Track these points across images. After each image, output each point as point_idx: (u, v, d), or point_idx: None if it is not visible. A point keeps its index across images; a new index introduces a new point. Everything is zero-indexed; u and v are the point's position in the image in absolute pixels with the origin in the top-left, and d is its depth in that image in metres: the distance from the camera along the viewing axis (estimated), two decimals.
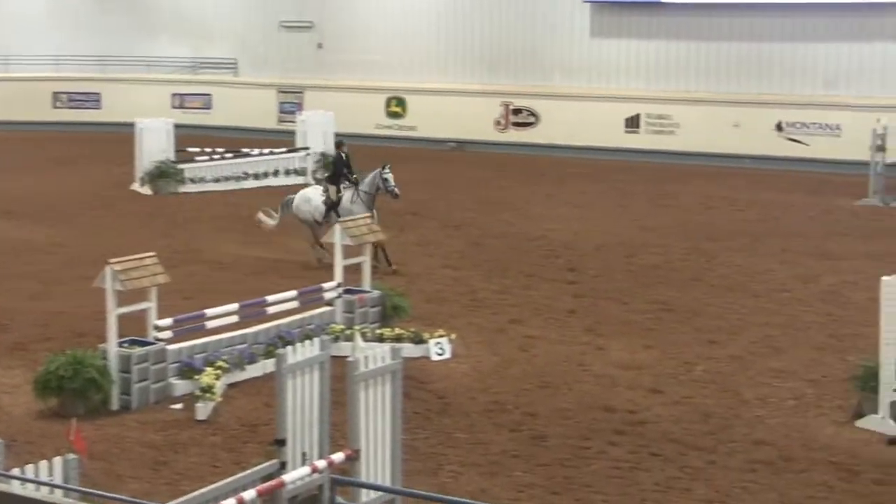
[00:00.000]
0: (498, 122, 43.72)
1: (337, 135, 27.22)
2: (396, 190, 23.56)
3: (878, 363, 14.94)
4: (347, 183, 24.12)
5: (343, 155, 24.62)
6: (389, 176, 23.49)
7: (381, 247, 22.88)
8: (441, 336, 18.09)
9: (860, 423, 15.08)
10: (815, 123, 39.04)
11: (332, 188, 24.20)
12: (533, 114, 43.25)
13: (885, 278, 14.93)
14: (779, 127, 39.52)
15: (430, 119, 44.01)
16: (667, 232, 28.21)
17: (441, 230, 28.10)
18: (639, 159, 40.05)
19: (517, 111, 43.51)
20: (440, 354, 17.85)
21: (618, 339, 19.01)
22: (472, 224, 28.82)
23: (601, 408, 15.78)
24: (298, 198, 24.60)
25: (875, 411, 14.97)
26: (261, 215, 25.11)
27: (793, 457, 14.15)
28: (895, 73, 38.63)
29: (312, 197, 24.48)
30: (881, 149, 32.54)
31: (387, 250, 23.30)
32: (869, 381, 15.12)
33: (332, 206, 23.94)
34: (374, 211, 23.42)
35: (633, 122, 41.63)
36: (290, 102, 46.30)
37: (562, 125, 42.17)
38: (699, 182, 36.05)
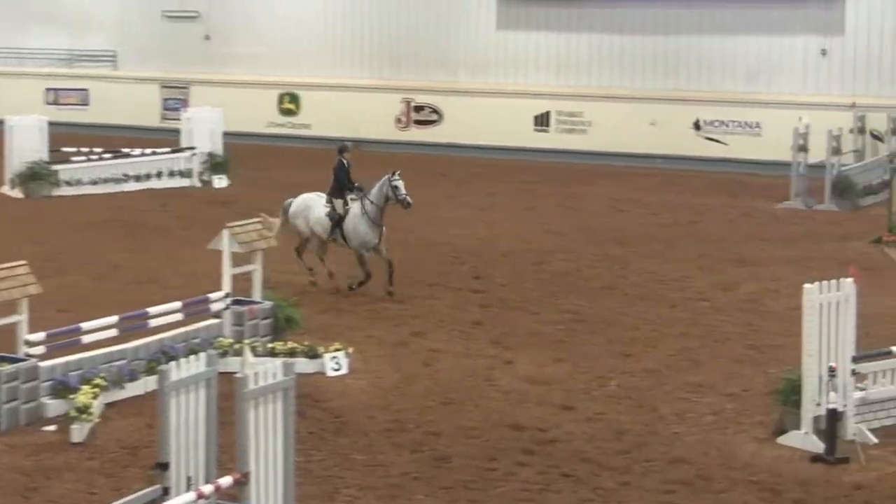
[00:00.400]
0: (399, 120, 43.78)
1: (341, 140, 24.23)
2: (409, 198, 22.21)
3: (801, 376, 15.12)
4: (353, 195, 22.53)
5: (344, 162, 22.70)
6: (400, 183, 22.15)
7: (390, 265, 22.21)
8: (337, 350, 18.02)
9: (782, 440, 15.25)
10: (734, 121, 39.57)
11: (339, 201, 22.51)
12: (436, 111, 43.35)
13: (807, 286, 15.12)
14: (696, 125, 40.01)
15: (326, 117, 43.92)
16: (578, 237, 28.38)
17: None
18: (548, 159, 40.27)
19: (419, 108, 43.59)
20: (336, 370, 17.79)
21: (526, 352, 19.05)
22: None
23: (509, 426, 15.81)
24: (297, 203, 22.99)
25: (797, 427, 15.14)
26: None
27: (712, 476, 14.27)
28: (818, 68, 39.25)
29: (313, 205, 22.83)
30: (803, 149, 33.01)
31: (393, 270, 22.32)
32: (791, 395, 15.29)
33: (339, 221, 22.52)
34: (383, 228, 22.40)
35: (542, 120, 41.88)
36: (175, 98, 46.01)
37: (467, 123, 42.32)
38: (612, 184, 36.33)
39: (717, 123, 39.75)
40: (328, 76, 44.76)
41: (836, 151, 33.37)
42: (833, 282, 15.16)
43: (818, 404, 14.96)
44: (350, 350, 18.17)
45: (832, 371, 14.86)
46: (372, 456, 14.76)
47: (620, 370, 18.26)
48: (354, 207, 22.42)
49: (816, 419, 15.00)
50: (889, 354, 15.89)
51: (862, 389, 15.51)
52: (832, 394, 14.77)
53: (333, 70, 44.96)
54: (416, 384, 17.50)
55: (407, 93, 43.60)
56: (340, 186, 22.62)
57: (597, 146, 40.62)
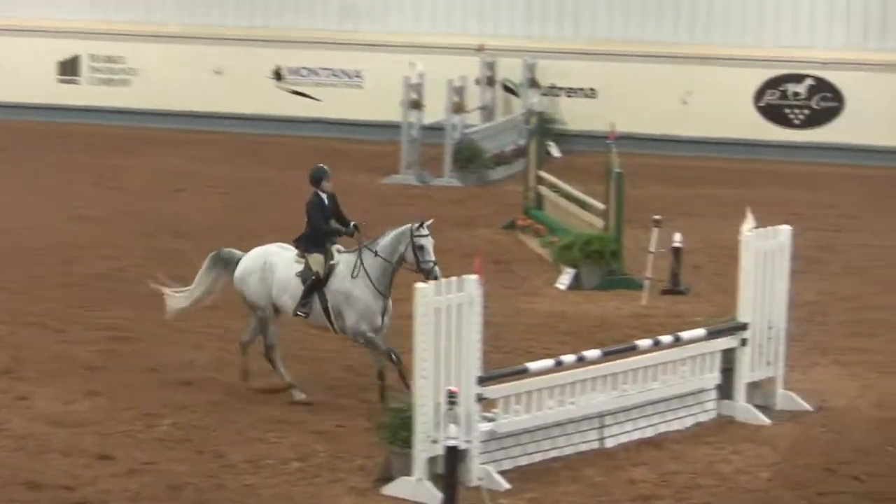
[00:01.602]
0: None
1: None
2: (437, 270, 18.03)
3: (412, 405, 15.45)
4: (339, 243, 19.13)
5: (323, 195, 19.14)
6: (427, 242, 18.35)
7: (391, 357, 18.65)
8: None
9: (388, 490, 15.57)
10: (326, 69, 40.17)
11: (316, 256, 18.91)
12: None
13: (419, 286, 15.45)
14: (277, 74, 40.39)
15: None
16: (121, 226, 28.39)
17: None
18: (80, 119, 40.07)
19: None
20: None
21: (49, 384, 18.93)
22: None
23: (23, 484, 15.65)
24: (251, 261, 19.34)
25: (408, 472, 15.48)
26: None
27: None
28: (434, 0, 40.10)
29: (277, 261, 19.20)
30: (416, 105, 33.73)
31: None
32: (400, 431, 15.61)
33: (315, 285, 18.90)
34: (389, 301, 18.81)
35: (69, 67, 41.54)
36: None
37: None
38: (165, 153, 36.33)
39: (304, 72, 40.23)
40: None
41: (459, 109, 34.24)
42: (453, 280, 15.54)
43: (434, 441, 15.32)
44: None
45: (452, 397, 15.22)
46: None
47: (176, 404, 18.33)
48: (342, 263, 18.93)
49: (432, 461, 15.38)
50: (525, 373, 16.40)
51: (490, 420, 15.97)
52: (452, 427, 15.14)
53: None
54: None
55: None
56: (319, 233, 19.11)
57: (145, 103, 40.52)
